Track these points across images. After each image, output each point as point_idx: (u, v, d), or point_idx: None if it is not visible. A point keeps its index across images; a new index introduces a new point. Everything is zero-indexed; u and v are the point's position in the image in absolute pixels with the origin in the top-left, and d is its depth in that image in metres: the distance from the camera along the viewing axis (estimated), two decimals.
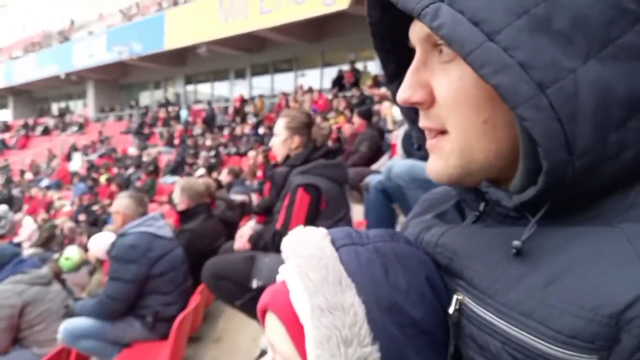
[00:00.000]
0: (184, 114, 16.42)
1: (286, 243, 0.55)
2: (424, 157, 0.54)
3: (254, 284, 2.23)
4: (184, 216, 3.54)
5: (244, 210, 4.92)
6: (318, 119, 10.90)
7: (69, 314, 2.86)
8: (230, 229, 4.06)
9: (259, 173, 9.46)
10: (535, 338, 0.41)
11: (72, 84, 21.23)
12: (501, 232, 0.50)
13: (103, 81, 20.83)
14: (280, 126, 2.50)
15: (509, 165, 0.48)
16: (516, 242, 0.44)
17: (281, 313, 0.50)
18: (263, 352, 2.43)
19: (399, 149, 3.98)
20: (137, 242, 2.77)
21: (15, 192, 13.24)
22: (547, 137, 0.40)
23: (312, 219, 2.37)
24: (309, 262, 0.49)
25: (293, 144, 2.50)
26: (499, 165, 0.49)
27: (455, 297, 0.49)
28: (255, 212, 4.30)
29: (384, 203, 2.92)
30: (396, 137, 4.35)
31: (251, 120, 15.32)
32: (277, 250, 2.34)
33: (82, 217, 9.84)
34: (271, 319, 0.52)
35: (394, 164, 2.67)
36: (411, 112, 0.58)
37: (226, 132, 16.05)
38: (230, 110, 16.51)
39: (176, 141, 14.42)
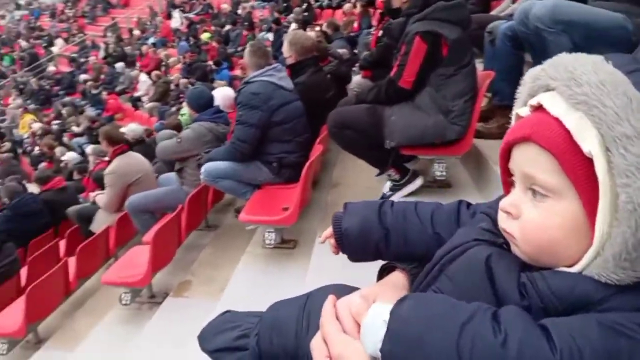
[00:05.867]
0: None
1: (555, 70, 0.52)
2: None
3: (388, 144, 2.30)
4: (294, 70, 3.59)
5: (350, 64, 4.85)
6: None
7: (205, 158, 3.24)
8: (341, 83, 4.08)
9: (355, 25, 9.05)
10: None
11: None
12: None
13: None
14: None
15: None
16: None
17: (551, 144, 0.50)
18: (382, 196, 2.61)
19: None
20: (260, 89, 2.93)
21: (127, 49, 14.14)
22: None
23: (430, 67, 2.27)
24: (601, 89, 0.47)
25: None
26: None
27: None
28: (362, 66, 4.23)
29: (512, 51, 2.70)
30: None
31: None
32: (388, 99, 2.34)
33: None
34: (532, 151, 0.52)
35: (533, 5, 2.37)
36: None
37: None
38: None
39: None
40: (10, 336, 3.28)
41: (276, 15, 11.57)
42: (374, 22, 7.79)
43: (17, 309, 3.28)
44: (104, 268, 4.04)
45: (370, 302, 0.60)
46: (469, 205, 0.76)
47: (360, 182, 3.22)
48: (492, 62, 2.79)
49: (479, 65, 3.02)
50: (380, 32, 3.87)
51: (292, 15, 11.23)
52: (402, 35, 2.38)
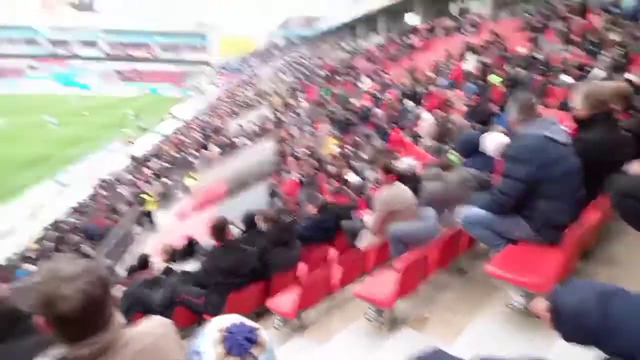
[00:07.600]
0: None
1: None
2: None
3: None
4: (581, 124, 3.26)
5: None
6: None
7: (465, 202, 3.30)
8: None
9: None
10: None
11: None
12: None
13: None
14: None
15: None
16: None
17: None
18: None
19: None
20: (531, 142, 2.80)
21: (419, 89, 15.34)
22: None
23: None
24: None
25: None
26: None
27: None
28: None
29: None
30: None
31: None
32: None
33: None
34: None
35: None
36: None
37: None
38: None
39: (575, 37, 12.71)
40: (284, 315, 4.08)
41: (580, 60, 10.47)
42: None
43: (292, 295, 4.06)
44: (360, 280, 4.55)
45: None
46: None
47: None
48: None
49: None
50: None
51: (601, 59, 9.96)
52: None
